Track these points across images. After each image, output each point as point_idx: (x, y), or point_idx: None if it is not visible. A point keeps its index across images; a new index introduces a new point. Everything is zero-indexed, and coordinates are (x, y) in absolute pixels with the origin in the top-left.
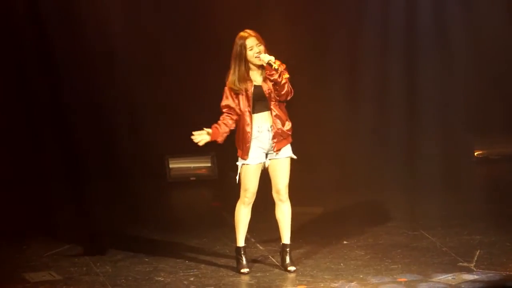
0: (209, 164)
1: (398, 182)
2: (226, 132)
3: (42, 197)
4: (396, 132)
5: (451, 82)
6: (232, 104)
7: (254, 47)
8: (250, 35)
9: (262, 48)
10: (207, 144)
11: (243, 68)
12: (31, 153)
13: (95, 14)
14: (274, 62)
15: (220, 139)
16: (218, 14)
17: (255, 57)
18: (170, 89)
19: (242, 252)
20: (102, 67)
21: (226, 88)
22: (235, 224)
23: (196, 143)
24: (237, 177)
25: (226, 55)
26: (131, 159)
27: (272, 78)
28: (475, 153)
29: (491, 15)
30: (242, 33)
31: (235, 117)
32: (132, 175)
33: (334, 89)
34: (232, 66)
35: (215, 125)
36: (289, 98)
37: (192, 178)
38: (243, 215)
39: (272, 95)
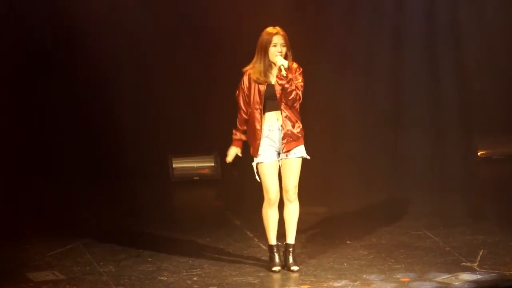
0: (213, 164)
1: (401, 182)
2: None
3: (45, 196)
4: (399, 132)
5: (454, 82)
6: (245, 100)
7: (278, 45)
8: (279, 33)
9: (285, 49)
10: (210, 144)
11: (267, 61)
12: (33, 153)
13: (97, 15)
14: (285, 69)
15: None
16: (218, 15)
17: (275, 55)
18: (173, 89)
19: (275, 250)
20: (104, 67)
21: (244, 78)
22: (264, 225)
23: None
24: (257, 177)
25: (227, 56)
26: (134, 159)
27: (280, 82)
28: (479, 153)
29: (494, 14)
30: (271, 28)
31: (246, 113)
32: (135, 175)
33: (340, 89)
34: (257, 58)
35: (237, 137)
36: (295, 105)
37: (195, 178)
38: (270, 216)
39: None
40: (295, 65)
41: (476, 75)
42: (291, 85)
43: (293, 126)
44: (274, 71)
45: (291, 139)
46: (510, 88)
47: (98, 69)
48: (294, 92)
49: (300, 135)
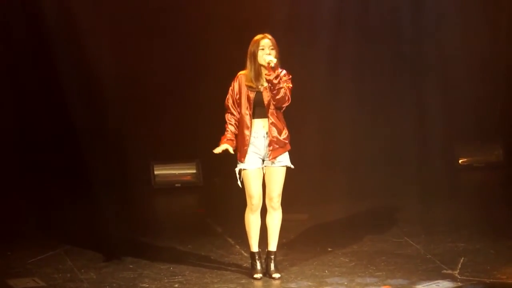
0: (194, 171)
1: (383, 189)
2: (235, 139)
3: (25, 203)
4: (381, 139)
5: (437, 91)
6: (235, 103)
7: (266, 48)
8: (266, 37)
9: (274, 53)
10: (192, 150)
11: (257, 65)
12: (14, 157)
13: (84, 22)
14: (275, 64)
15: (234, 146)
16: (204, 23)
17: (263, 58)
18: (156, 96)
19: (257, 257)
20: (90, 74)
21: (231, 88)
22: (246, 232)
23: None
24: (239, 182)
25: (210, 63)
26: (116, 166)
27: (268, 78)
28: (460, 161)
29: (477, 28)
30: (259, 35)
31: (237, 118)
32: (117, 182)
33: (317, 94)
34: (248, 65)
35: (228, 137)
36: (284, 105)
37: (177, 185)
38: (252, 222)
39: (271, 102)
40: (284, 71)
41: (459, 83)
42: (279, 82)
43: (280, 133)
44: (262, 78)
45: (277, 146)
46: (492, 96)
47: (80, 75)
48: (282, 91)
49: (286, 142)
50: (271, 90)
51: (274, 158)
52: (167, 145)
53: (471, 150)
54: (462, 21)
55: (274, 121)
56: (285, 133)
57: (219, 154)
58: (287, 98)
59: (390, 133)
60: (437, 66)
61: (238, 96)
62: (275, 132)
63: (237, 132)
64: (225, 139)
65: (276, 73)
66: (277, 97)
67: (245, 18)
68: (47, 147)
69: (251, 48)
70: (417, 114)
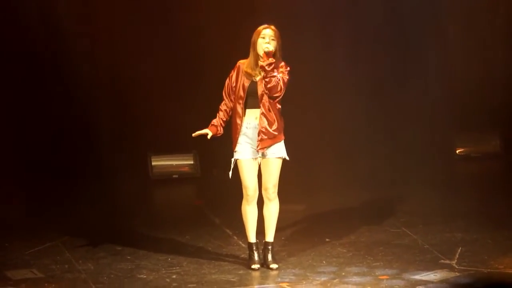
0: (192, 162)
1: (380, 180)
2: (222, 125)
3: (24, 194)
4: (379, 129)
5: (435, 81)
6: (230, 91)
7: (266, 37)
8: (270, 27)
9: (274, 43)
10: (189, 141)
11: (256, 54)
12: (13, 151)
13: (79, 17)
14: (270, 52)
15: (219, 133)
16: (203, 14)
17: (261, 46)
18: (153, 87)
19: (254, 248)
20: (82, 65)
21: (229, 76)
22: (244, 222)
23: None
24: (230, 173)
25: (208, 54)
26: (113, 157)
27: (261, 64)
28: (457, 151)
29: (477, 17)
30: (264, 24)
31: (228, 105)
32: (114, 173)
33: (314, 83)
34: (250, 53)
35: (213, 123)
36: (276, 95)
37: (174, 176)
38: (248, 213)
39: (264, 92)
40: (283, 63)
41: (456, 73)
42: (272, 70)
43: (270, 125)
44: (259, 68)
45: (265, 137)
46: (490, 86)
47: (75, 66)
48: (274, 79)
49: (276, 134)
50: (263, 77)
51: (262, 149)
52: (165, 136)
53: (469, 140)
54: (463, 9)
55: (265, 112)
56: (276, 125)
57: (217, 145)
58: (279, 88)
59: (387, 123)
60: (435, 57)
61: (234, 84)
62: (264, 123)
63: (225, 118)
64: (209, 126)
65: (269, 60)
66: (269, 85)
67: (245, 11)
68: (45, 142)
69: (253, 36)
70: (414, 104)
